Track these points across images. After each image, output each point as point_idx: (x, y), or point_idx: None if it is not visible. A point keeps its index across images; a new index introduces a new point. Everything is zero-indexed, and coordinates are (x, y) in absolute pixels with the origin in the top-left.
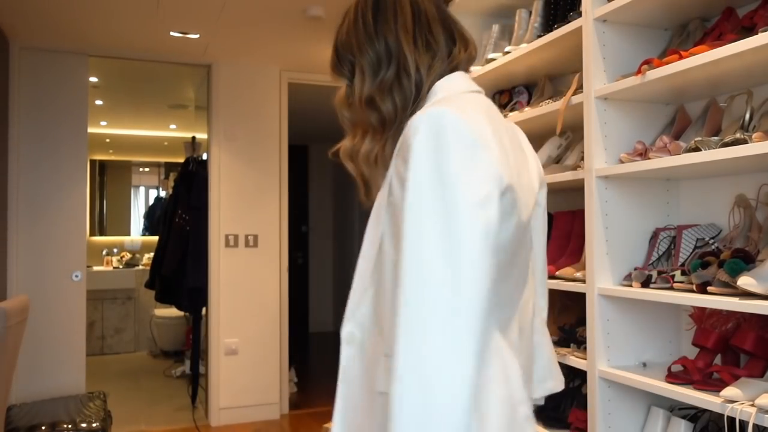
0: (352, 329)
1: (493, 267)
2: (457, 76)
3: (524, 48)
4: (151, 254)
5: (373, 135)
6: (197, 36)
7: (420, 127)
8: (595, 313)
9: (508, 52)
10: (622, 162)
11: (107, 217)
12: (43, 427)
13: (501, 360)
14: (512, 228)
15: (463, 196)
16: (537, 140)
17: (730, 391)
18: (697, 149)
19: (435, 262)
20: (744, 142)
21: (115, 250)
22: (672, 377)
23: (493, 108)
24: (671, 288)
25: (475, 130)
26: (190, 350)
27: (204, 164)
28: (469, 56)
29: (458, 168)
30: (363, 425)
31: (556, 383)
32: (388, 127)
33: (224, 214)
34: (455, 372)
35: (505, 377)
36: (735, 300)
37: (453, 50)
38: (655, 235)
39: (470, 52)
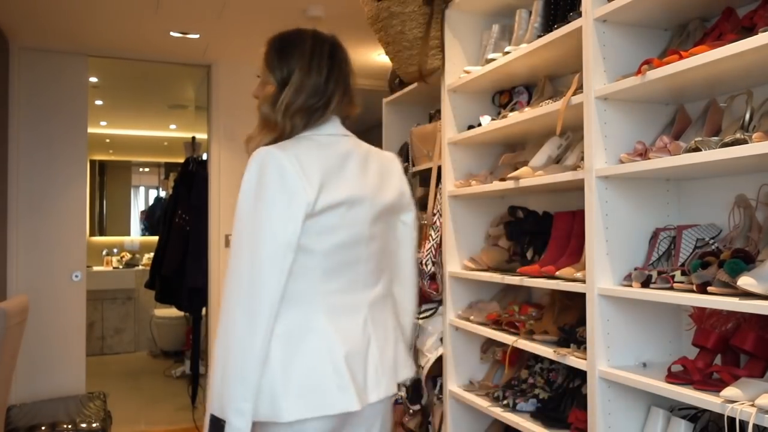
0: None
1: (287, 268)
2: (331, 121)
3: (524, 48)
4: (151, 254)
5: (270, 133)
6: (197, 36)
7: (253, 159)
8: (595, 313)
9: (508, 52)
10: (622, 162)
11: (107, 217)
12: (43, 428)
13: (321, 339)
14: (339, 239)
15: (268, 213)
16: (537, 140)
17: (730, 392)
18: (697, 149)
19: (243, 260)
20: (744, 142)
21: (115, 250)
22: (672, 377)
23: (339, 145)
24: (671, 288)
25: (292, 164)
26: (190, 350)
27: (204, 164)
28: (350, 112)
29: (270, 192)
30: None
31: (408, 371)
32: (287, 135)
33: (224, 214)
34: (245, 343)
35: (317, 351)
36: (735, 300)
37: (345, 104)
38: (655, 235)
39: (352, 110)
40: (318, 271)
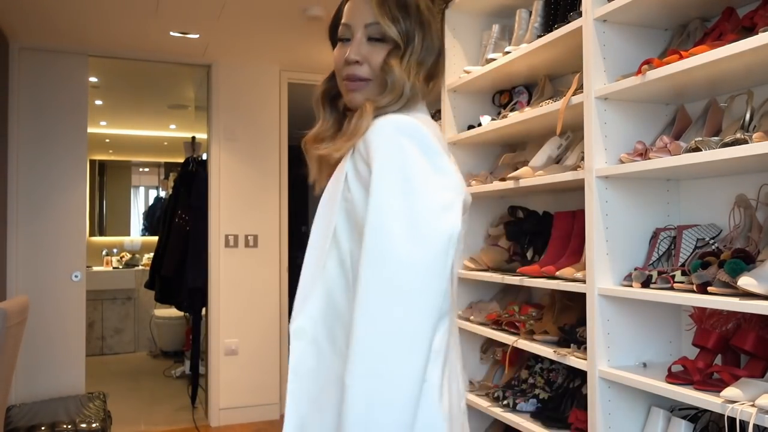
0: (302, 324)
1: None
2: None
3: (524, 48)
4: (151, 254)
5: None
6: (197, 36)
7: (384, 130)
8: (595, 313)
9: (508, 52)
10: (622, 162)
11: (107, 218)
12: (43, 428)
13: (451, 359)
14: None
15: (425, 200)
16: (537, 140)
17: (730, 392)
18: (697, 149)
19: (402, 262)
20: (744, 142)
21: (115, 251)
22: (672, 377)
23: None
24: (671, 288)
25: (432, 138)
26: (189, 350)
27: (204, 164)
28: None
29: (421, 172)
30: (317, 419)
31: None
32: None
33: (224, 214)
34: (406, 369)
35: (455, 374)
36: (735, 300)
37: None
38: (655, 235)
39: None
40: None
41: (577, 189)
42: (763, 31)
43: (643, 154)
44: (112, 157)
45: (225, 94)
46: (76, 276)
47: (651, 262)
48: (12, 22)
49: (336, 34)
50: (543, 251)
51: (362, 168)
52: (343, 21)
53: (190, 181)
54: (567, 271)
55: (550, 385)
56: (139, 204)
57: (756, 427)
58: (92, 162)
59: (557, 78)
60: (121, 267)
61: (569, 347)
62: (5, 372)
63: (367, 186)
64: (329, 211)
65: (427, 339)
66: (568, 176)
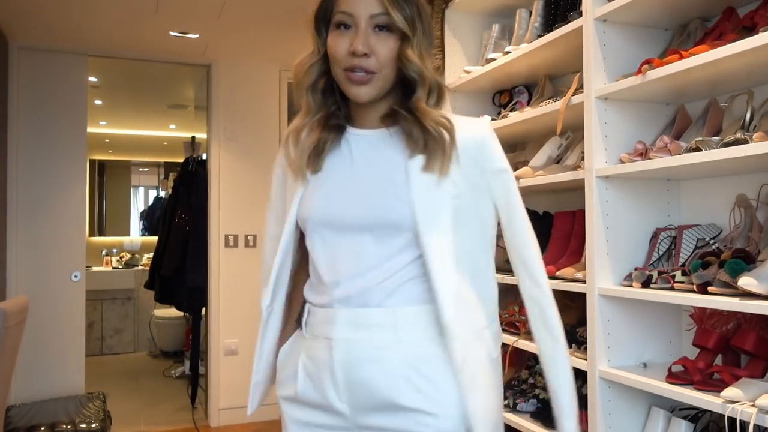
0: (455, 317)
1: None
2: None
3: (524, 48)
4: (151, 254)
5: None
6: (197, 36)
7: (491, 134)
8: (595, 313)
9: (508, 52)
10: (622, 162)
11: (107, 218)
12: (42, 428)
13: None
14: None
15: None
16: (537, 140)
17: (730, 392)
18: (697, 149)
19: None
20: (744, 142)
21: (115, 251)
22: (672, 377)
23: None
24: (672, 288)
25: None
26: (189, 351)
27: (204, 164)
28: None
29: None
30: (495, 397)
31: None
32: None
33: (224, 214)
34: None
35: None
36: (735, 300)
37: None
38: (655, 235)
39: None
40: None
41: (577, 189)
42: (764, 31)
43: (644, 154)
44: (112, 157)
45: (225, 94)
46: (75, 276)
47: (651, 262)
48: (11, 22)
49: (323, 22)
50: (543, 251)
51: (471, 170)
52: (342, 9)
53: (189, 181)
54: (567, 271)
55: None
56: (138, 204)
57: (756, 427)
58: (92, 162)
59: (557, 78)
60: (120, 267)
61: (569, 347)
62: (5, 372)
63: (474, 185)
64: (440, 211)
65: None
66: (568, 176)
